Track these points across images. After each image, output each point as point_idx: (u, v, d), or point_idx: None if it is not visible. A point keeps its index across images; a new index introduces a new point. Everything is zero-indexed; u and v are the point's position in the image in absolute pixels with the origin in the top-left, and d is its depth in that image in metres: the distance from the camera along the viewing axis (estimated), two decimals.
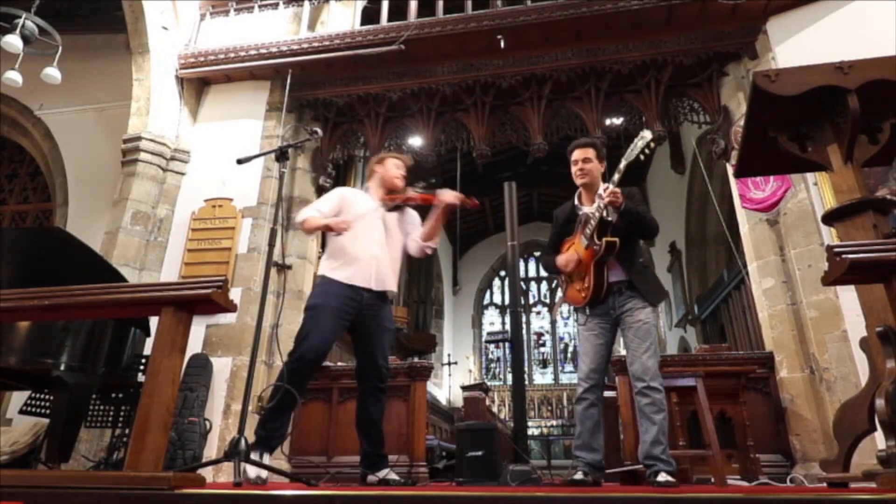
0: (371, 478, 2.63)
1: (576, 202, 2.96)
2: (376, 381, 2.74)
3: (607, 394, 3.54)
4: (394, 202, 2.88)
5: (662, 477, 2.43)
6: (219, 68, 5.41)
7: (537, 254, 15.36)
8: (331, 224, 2.66)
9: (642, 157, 2.84)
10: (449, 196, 2.76)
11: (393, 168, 2.97)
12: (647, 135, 2.79)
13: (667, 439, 2.55)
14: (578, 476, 2.66)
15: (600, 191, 2.73)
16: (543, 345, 15.64)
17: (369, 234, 2.79)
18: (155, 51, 5.23)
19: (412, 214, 3.03)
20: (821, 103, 2.08)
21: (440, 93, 5.32)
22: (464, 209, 2.83)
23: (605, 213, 2.68)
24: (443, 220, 2.88)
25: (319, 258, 6.30)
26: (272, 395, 2.53)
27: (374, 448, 2.68)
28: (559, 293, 3.07)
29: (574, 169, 2.93)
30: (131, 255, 4.78)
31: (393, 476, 2.63)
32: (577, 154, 2.94)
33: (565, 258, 2.84)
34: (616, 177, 2.70)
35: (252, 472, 2.36)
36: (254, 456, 2.37)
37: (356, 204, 2.87)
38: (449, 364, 11.97)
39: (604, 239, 2.67)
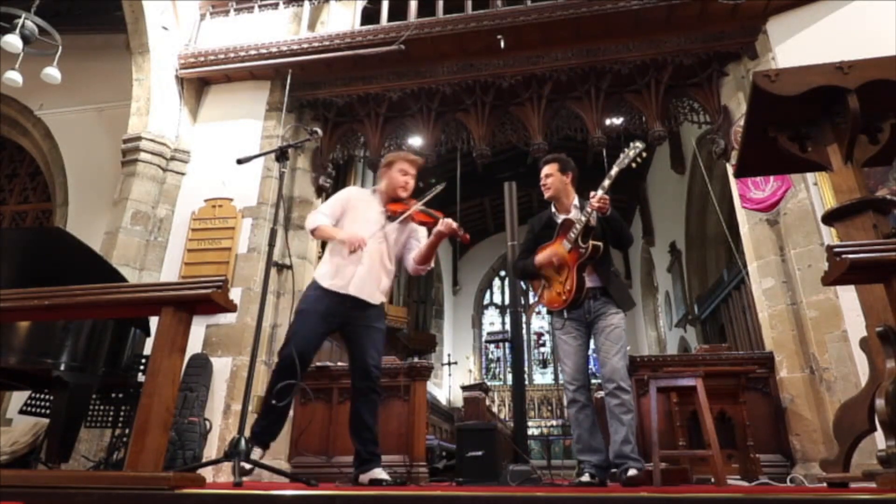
0: (362, 477, 2.62)
1: (552, 210, 3.08)
2: (366, 382, 2.72)
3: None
4: (395, 216, 2.81)
5: (632, 472, 2.54)
6: (219, 68, 5.41)
7: None
8: (344, 239, 2.65)
9: (634, 165, 2.87)
10: (445, 225, 2.70)
11: (398, 175, 2.88)
12: (639, 144, 2.83)
13: (635, 437, 2.68)
14: (585, 478, 2.69)
15: (591, 199, 2.79)
16: (543, 345, 15.63)
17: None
18: (155, 51, 5.23)
19: (418, 229, 2.93)
20: (821, 103, 2.08)
21: (440, 93, 5.32)
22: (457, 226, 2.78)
23: (591, 219, 2.78)
24: (437, 246, 2.85)
25: (320, 258, 6.32)
26: (265, 395, 2.60)
27: (365, 447, 2.67)
28: (532, 296, 3.14)
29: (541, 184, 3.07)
30: (131, 255, 4.78)
31: (384, 476, 2.60)
32: (542, 170, 3.09)
33: (547, 254, 2.90)
34: (606, 182, 2.78)
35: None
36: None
37: (360, 209, 2.86)
38: (449, 364, 11.98)
39: (590, 242, 2.78)
